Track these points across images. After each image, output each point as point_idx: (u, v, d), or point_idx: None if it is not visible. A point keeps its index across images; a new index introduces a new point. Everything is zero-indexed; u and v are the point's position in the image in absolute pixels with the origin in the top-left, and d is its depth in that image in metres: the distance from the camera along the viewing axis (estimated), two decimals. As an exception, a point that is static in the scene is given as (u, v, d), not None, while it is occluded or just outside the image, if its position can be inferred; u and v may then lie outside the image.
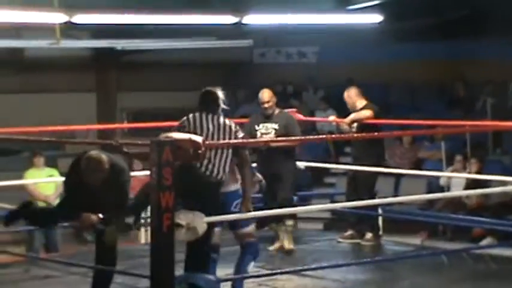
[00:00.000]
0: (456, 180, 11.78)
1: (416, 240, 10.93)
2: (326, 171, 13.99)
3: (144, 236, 9.53)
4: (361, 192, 9.09)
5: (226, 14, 12.12)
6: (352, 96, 9.38)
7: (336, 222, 12.29)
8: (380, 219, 9.85)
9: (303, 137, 9.19)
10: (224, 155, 6.40)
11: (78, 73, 15.29)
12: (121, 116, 16.05)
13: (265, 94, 8.66)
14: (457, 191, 11.33)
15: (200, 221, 6.00)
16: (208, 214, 6.13)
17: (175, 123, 6.58)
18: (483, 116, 13.45)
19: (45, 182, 11.14)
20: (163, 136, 6.10)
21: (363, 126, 9.09)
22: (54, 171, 11.39)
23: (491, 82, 14.55)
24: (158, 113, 13.11)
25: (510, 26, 13.84)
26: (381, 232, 9.74)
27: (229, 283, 6.71)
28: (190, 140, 6.04)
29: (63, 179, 6.63)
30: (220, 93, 6.68)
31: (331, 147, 14.60)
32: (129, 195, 6.46)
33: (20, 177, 10.65)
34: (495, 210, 11.16)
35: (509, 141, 13.34)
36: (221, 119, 6.54)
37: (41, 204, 10.79)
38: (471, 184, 11.12)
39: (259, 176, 7.24)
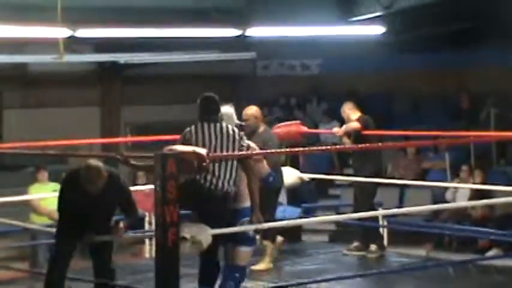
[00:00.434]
0: (461, 191, 11.76)
1: (421, 252, 10.91)
2: (331, 183, 13.98)
3: (148, 250, 9.52)
4: (360, 203, 9.16)
5: (229, 27, 12.14)
6: (346, 110, 9.60)
7: (341, 234, 12.26)
8: (385, 230, 9.83)
9: (297, 149, 9.03)
10: (229, 167, 6.31)
11: (81, 87, 15.28)
12: (125, 130, 16.04)
13: (246, 111, 8.39)
14: (462, 202, 11.31)
15: (205, 234, 5.98)
16: (212, 227, 6.09)
17: (179, 137, 6.54)
18: (487, 127, 13.43)
19: (49, 197, 11.13)
20: (167, 149, 6.08)
21: (357, 137, 9.19)
22: (59, 186, 11.36)
23: (494, 92, 14.54)
24: (162, 127, 13.10)
25: (513, 36, 13.86)
26: (385, 243, 9.73)
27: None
28: (194, 153, 6.02)
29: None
30: (231, 109, 6.60)
31: (335, 159, 14.59)
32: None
33: (25, 193, 10.64)
34: (500, 221, 11.13)
35: (514, 152, 13.32)
36: (224, 127, 6.45)
37: (44, 219, 10.86)
38: (476, 195, 11.10)
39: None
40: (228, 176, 6.28)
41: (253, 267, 8.23)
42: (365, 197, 9.26)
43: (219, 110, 6.60)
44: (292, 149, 9.08)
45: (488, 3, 13.78)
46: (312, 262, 9.09)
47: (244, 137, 6.55)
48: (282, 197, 12.43)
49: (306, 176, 9.68)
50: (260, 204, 6.33)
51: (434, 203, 11.97)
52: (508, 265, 8.79)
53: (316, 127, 14.84)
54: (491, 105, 14.22)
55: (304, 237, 11.10)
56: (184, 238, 5.81)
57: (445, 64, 15.33)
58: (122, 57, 14.44)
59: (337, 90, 15.34)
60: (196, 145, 6.28)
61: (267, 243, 8.56)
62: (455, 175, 12.33)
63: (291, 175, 9.47)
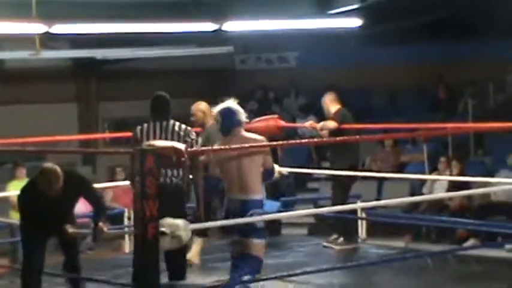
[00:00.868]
0: (439, 183, 11.83)
1: (400, 243, 10.96)
2: (309, 176, 14.01)
3: (128, 245, 9.51)
4: (334, 196, 9.22)
5: (206, 21, 12.11)
6: (327, 102, 9.61)
7: (320, 227, 12.30)
8: (363, 223, 9.88)
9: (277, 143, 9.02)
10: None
11: (58, 83, 15.25)
12: (102, 125, 16.01)
13: (194, 106, 8.30)
14: (440, 193, 11.37)
15: (185, 229, 5.99)
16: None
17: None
18: (465, 118, 13.51)
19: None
20: (146, 144, 6.10)
21: (334, 132, 9.24)
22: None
23: (472, 83, 14.62)
24: (140, 122, 13.10)
25: (490, 27, 13.92)
26: (364, 236, 9.78)
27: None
28: (173, 148, 6.05)
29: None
30: (237, 106, 6.57)
31: (313, 153, 14.63)
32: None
33: (3, 190, 10.61)
34: (478, 212, 11.21)
35: (491, 143, 13.40)
36: (171, 124, 6.68)
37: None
38: (454, 186, 11.17)
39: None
40: (175, 170, 6.56)
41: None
42: (339, 190, 9.32)
43: (168, 108, 6.90)
44: (270, 143, 9.08)
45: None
46: (292, 255, 9.12)
47: (192, 133, 6.74)
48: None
49: (285, 170, 9.69)
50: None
51: (413, 194, 12.05)
52: (486, 255, 8.86)
53: (294, 121, 14.86)
54: (469, 96, 14.31)
55: (284, 231, 11.12)
56: (163, 233, 5.81)
57: (423, 56, 15.40)
58: (99, 53, 14.41)
59: (315, 83, 15.38)
60: (142, 142, 6.61)
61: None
62: (433, 167, 12.39)
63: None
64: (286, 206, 11.13)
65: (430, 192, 11.89)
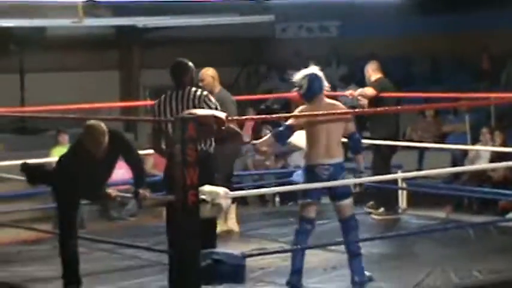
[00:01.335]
0: (481, 153, 11.73)
1: (441, 214, 10.91)
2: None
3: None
4: (375, 166, 9.19)
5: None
6: (369, 70, 9.59)
7: (360, 196, 12.25)
8: (404, 193, 9.84)
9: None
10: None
11: (100, 51, 15.31)
12: (144, 93, 16.08)
13: (202, 72, 8.28)
14: (482, 164, 11.28)
15: (224, 197, 6.01)
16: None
17: None
18: (508, 88, 13.36)
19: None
20: (186, 113, 6.11)
21: (373, 101, 9.20)
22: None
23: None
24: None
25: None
26: (404, 206, 9.75)
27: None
28: (214, 116, 6.06)
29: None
30: (319, 72, 6.59)
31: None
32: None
33: (46, 155, 10.72)
34: (521, 183, 11.12)
35: (534, 113, 13.26)
36: (188, 91, 6.59)
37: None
38: (496, 156, 11.07)
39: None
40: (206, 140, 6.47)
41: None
42: (379, 160, 9.30)
43: (183, 75, 6.69)
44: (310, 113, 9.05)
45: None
46: (332, 224, 9.10)
47: (210, 99, 6.60)
48: (301, 160, 12.47)
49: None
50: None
51: (454, 165, 11.96)
52: (529, 226, 8.80)
53: (335, 91, 14.78)
54: (512, 66, 14.16)
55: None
56: (204, 201, 5.84)
57: (466, 25, 15.23)
58: (141, 21, 14.44)
59: (357, 52, 15.29)
60: (159, 114, 6.61)
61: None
62: (475, 137, 12.28)
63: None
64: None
65: (472, 163, 11.80)
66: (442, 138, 13.12)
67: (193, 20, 14.31)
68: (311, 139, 6.58)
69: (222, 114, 6.13)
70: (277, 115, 6.91)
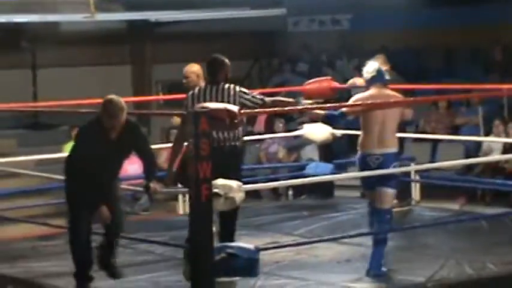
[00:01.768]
0: (494, 145, 11.71)
1: (454, 206, 10.90)
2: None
3: (182, 206, 9.59)
4: None
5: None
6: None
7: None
8: (417, 185, 9.83)
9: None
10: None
11: (112, 46, 15.33)
12: (156, 88, 16.10)
13: (187, 68, 7.83)
14: (495, 156, 11.25)
15: (238, 191, 6.02)
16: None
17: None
18: (520, 80, 13.30)
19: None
20: (199, 106, 6.12)
21: None
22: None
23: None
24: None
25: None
26: (417, 198, 9.74)
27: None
28: (226, 110, 6.06)
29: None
30: (377, 64, 7.01)
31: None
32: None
33: (59, 151, 10.75)
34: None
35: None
36: (221, 87, 6.60)
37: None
38: (509, 148, 11.04)
39: None
40: (232, 133, 6.48)
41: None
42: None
43: (218, 71, 6.73)
44: (324, 105, 9.05)
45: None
46: (345, 217, 9.13)
47: (245, 92, 6.65)
48: (314, 153, 12.48)
49: (338, 132, 9.68)
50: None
51: (467, 157, 11.93)
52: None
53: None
54: (525, 58, 14.09)
55: (337, 193, 11.13)
56: (217, 194, 5.85)
57: (478, 17, 15.16)
58: (153, 15, 14.45)
59: (368, 45, 15.25)
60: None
61: None
62: (488, 129, 12.25)
63: (323, 131, 9.49)
64: (339, 168, 11.11)
65: (486, 155, 11.77)
66: (455, 130, 13.09)
67: (205, 14, 14.31)
68: (366, 127, 6.75)
69: (235, 108, 6.14)
70: (291, 107, 6.86)
